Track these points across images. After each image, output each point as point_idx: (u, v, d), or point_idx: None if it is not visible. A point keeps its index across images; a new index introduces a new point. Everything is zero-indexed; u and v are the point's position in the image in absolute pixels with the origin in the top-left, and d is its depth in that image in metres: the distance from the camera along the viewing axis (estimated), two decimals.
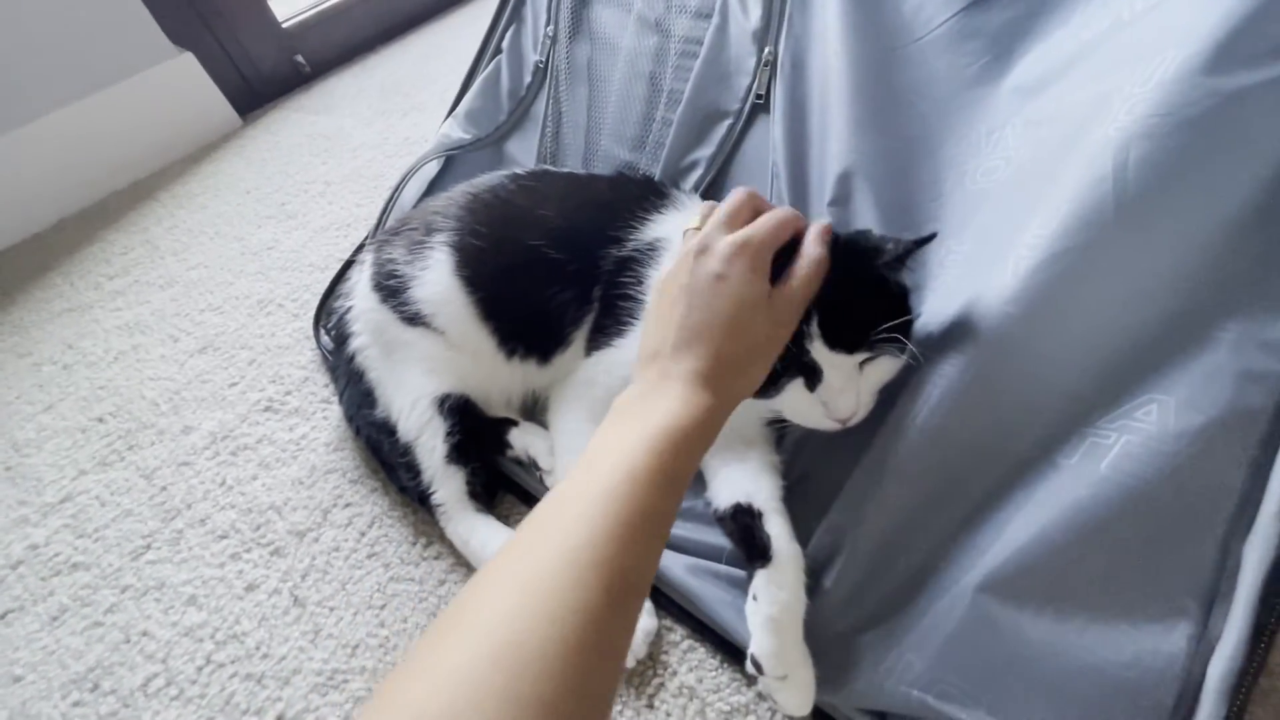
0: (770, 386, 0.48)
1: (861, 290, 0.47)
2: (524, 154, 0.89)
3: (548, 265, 0.62)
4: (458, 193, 0.72)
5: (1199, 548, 0.40)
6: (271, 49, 1.45)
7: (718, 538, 0.57)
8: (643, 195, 0.66)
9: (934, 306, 0.52)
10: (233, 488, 0.72)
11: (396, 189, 0.85)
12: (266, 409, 0.80)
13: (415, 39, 1.61)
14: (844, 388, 0.47)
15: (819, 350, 0.47)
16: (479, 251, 0.64)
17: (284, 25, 1.46)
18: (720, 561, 0.55)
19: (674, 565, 0.55)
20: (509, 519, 0.66)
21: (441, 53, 1.52)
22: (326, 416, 0.78)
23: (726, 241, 0.44)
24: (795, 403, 0.49)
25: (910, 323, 0.48)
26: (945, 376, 0.47)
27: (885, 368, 0.48)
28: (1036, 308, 0.44)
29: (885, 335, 0.46)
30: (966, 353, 0.47)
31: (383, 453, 0.68)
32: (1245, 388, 0.40)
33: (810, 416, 0.49)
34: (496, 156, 0.91)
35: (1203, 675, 0.39)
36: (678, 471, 0.38)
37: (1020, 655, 0.42)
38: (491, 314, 0.64)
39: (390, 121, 1.31)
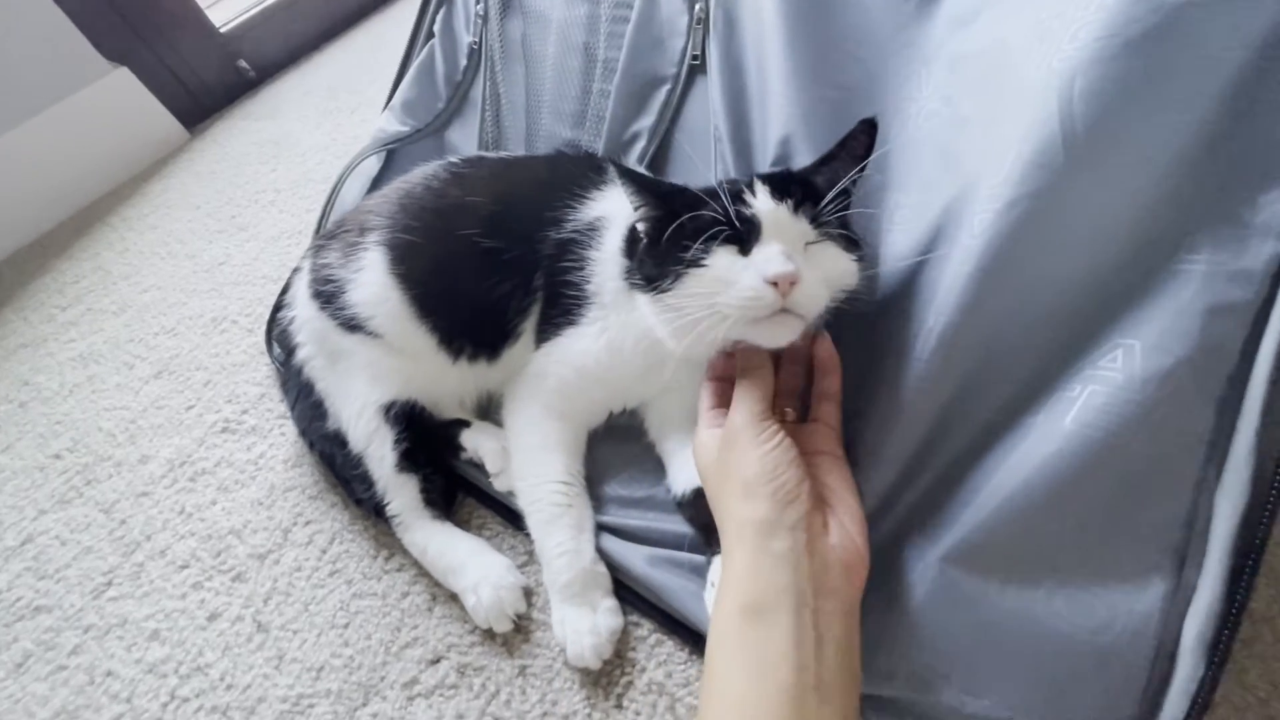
0: (694, 250, 0.42)
1: (807, 175, 0.47)
2: (466, 141, 0.85)
3: (483, 255, 0.59)
4: (392, 188, 0.69)
5: (1170, 498, 0.37)
6: (212, 56, 1.40)
7: (679, 525, 0.55)
8: (581, 173, 0.63)
9: (887, 269, 0.49)
10: (192, 515, 0.70)
11: (334, 191, 0.82)
12: (224, 430, 0.78)
13: (360, 33, 1.56)
14: (785, 249, 0.41)
15: (761, 201, 0.43)
16: (411, 247, 0.61)
17: (222, 30, 1.41)
18: (683, 549, 0.53)
19: (634, 558, 0.53)
20: (469, 523, 0.64)
21: (387, 44, 1.47)
22: (284, 433, 0.76)
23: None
24: (725, 270, 0.42)
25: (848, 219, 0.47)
26: (908, 347, 0.45)
27: (832, 259, 0.44)
28: (993, 264, 0.41)
29: (834, 213, 0.43)
30: (926, 319, 0.44)
31: (337, 466, 0.65)
32: (1214, 322, 0.37)
33: (738, 288, 0.41)
34: (438, 147, 0.87)
35: (1179, 633, 0.36)
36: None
37: (988, 627, 0.40)
38: (429, 311, 0.61)
39: (338, 121, 1.27)
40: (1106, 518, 0.38)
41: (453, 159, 0.70)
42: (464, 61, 0.86)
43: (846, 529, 0.40)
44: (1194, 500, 0.37)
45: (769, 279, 0.41)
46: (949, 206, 0.45)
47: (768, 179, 0.46)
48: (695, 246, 0.43)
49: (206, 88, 1.40)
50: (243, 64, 1.44)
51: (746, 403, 0.43)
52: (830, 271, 0.44)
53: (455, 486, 0.65)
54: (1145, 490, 0.38)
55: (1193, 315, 0.37)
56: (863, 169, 0.47)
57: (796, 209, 0.44)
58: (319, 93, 1.37)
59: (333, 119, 1.28)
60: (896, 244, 0.49)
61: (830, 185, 0.46)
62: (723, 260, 0.43)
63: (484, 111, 0.84)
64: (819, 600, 0.36)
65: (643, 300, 0.49)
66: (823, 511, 0.40)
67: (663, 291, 0.45)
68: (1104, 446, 0.38)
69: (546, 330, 0.60)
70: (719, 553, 0.49)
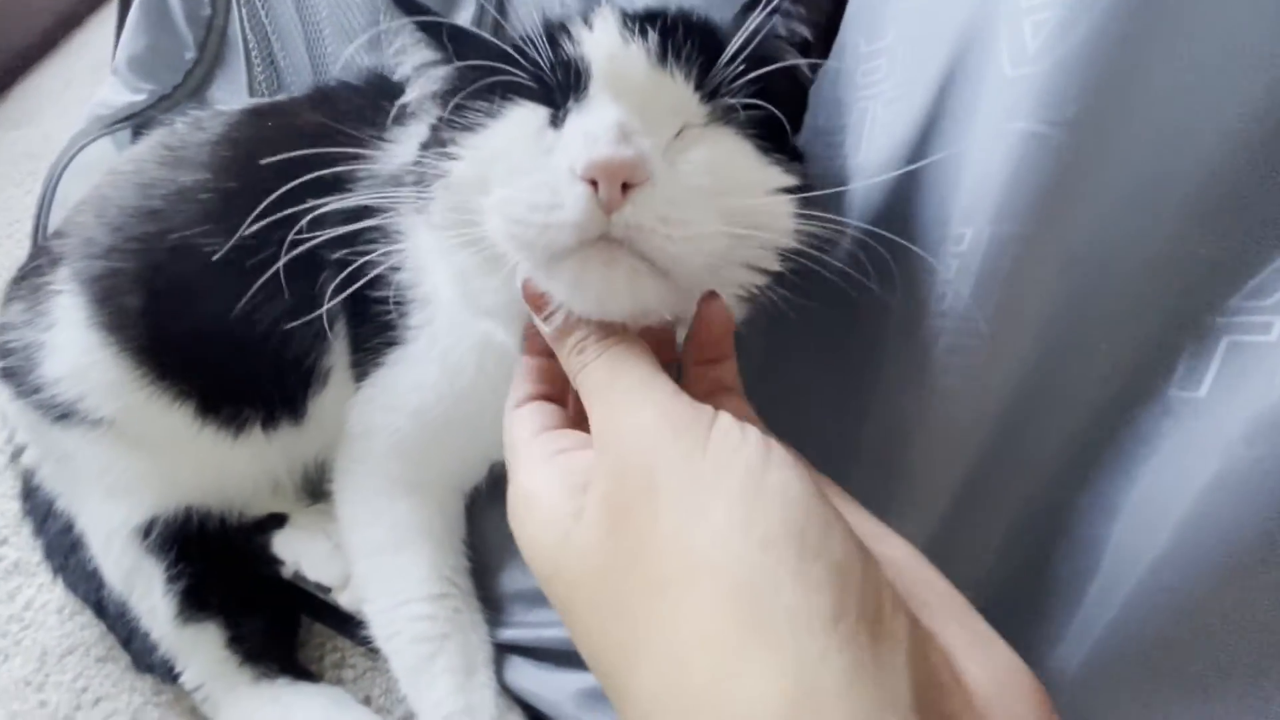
0: (475, 112, 0.25)
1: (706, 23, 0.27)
2: (236, 100, 0.61)
3: (222, 264, 0.36)
4: (92, 190, 0.45)
5: None
6: None
7: None
8: (369, 105, 0.41)
9: (871, 160, 0.30)
10: None
11: (42, 203, 0.56)
12: None
13: None
14: (623, 117, 0.22)
15: (599, 35, 0.25)
16: (117, 277, 0.39)
17: None
18: None
19: (560, 694, 0.34)
20: (322, 661, 0.43)
21: None
22: None
23: None
24: (512, 142, 0.24)
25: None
26: (917, 296, 0.25)
27: (734, 163, 0.24)
28: (1075, 103, 0.21)
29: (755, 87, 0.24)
30: (945, 236, 0.24)
31: (109, 618, 0.44)
32: None
33: (521, 180, 0.22)
34: None
35: None
36: None
37: None
38: (168, 371, 0.39)
39: None
40: None
41: (180, 122, 0.46)
42: None
43: (955, 624, 0.18)
44: None
45: (580, 167, 0.21)
46: (964, 33, 0.25)
47: (628, 15, 0.26)
48: (474, 108, 0.25)
49: None
50: None
51: (644, 374, 0.21)
52: (728, 185, 0.23)
53: (295, 612, 0.44)
54: None
55: None
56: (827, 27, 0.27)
57: (667, 57, 0.24)
58: (82, 80, 1.07)
59: None
60: (880, 125, 0.29)
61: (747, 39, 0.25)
62: (514, 126, 0.25)
63: (248, 53, 0.60)
64: None
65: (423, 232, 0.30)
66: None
67: (425, 198, 0.26)
68: None
69: (362, 360, 0.39)
70: None
